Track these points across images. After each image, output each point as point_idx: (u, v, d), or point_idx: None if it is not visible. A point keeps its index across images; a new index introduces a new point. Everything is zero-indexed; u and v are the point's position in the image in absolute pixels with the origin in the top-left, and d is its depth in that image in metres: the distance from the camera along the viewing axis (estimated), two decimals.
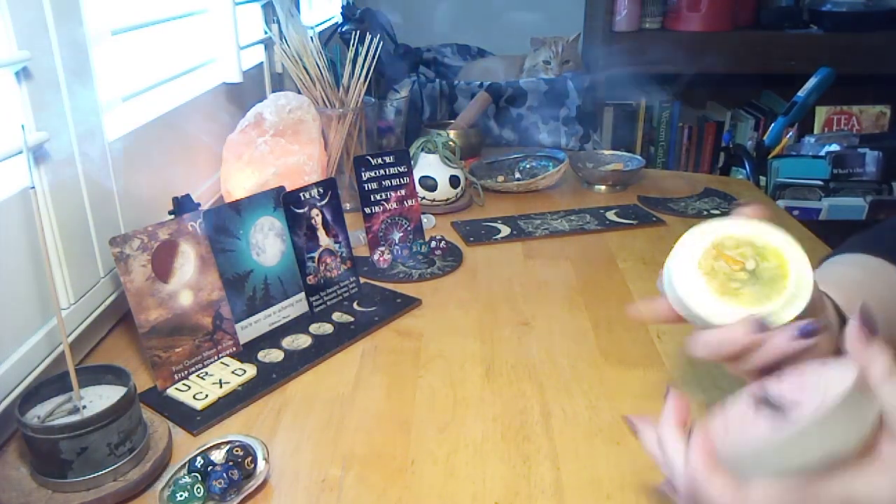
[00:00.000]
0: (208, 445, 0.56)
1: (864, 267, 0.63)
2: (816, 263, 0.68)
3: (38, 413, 0.56)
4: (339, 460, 0.59)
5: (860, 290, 0.58)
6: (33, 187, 0.55)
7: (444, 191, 1.13)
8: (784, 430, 0.38)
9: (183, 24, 1.03)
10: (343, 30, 1.60)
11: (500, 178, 1.27)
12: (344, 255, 0.85)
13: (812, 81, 2.01)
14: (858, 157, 2.00)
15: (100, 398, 0.57)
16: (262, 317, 0.77)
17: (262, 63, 1.32)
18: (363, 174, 0.93)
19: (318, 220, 0.82)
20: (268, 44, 1.32)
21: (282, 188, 0.79)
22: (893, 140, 2.11)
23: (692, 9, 2.27)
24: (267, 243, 0.77)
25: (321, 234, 0.83)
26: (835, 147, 2.06)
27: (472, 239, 1.04)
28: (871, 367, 0.40)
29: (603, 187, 1.26)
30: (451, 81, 1.72)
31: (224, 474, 0.53)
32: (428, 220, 1.09)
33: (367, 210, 0.94)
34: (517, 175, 1.31)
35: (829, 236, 1.04)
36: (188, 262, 0.70)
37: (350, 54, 1.11)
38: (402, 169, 0.96)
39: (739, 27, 2.32)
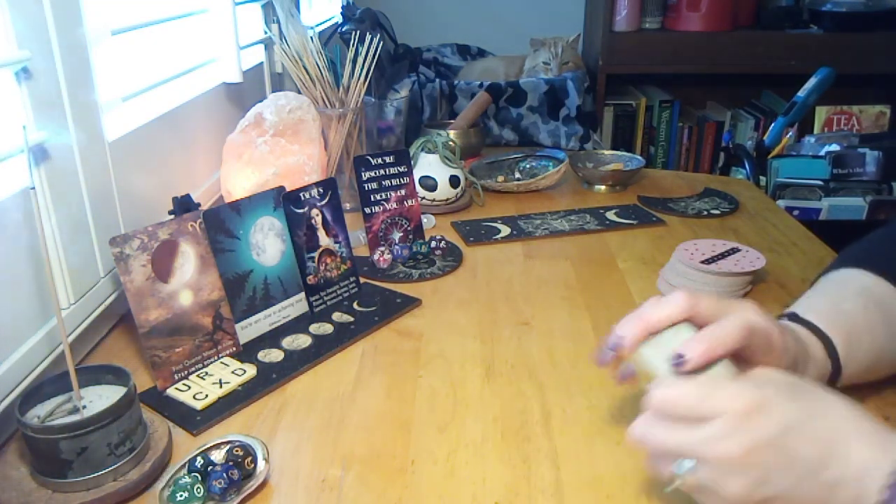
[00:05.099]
0: (208, 445, 0.56)
1: (860, 291, 0.64)
2: (814, 278, 0.69)
3: (38, 413, 0.56)
4: (339, 460, 0.59)
5: (856, 323, 0.61)
6: (33, 187, 0.55)
7: (444, 191, 1.13)
8: None
9: (183, 24, 1.03)
10: (343, 30, 1.60)
11: (500, 178, 1.27)
12: (344, 255, 0.85)
13: (812, 81, 2.01)
14: (858, 157, 2.00)
15: (100, 398, 0.57)
16: (262, 317, 0.77)
17: (262, 63, 1.32)
18: (363, 174, 0.93)
19: (318, 220, 0.82)
20: (268, 44, 1.32)
21: (282, 188, 0.79)
22: (893, 140, 2.11)
23: (692, 9, 2.27)
24: (267, 243, 0.77)
25: (321, 234, 0.83)
26: (835, 147, 2.06)
27: (472, 239, 1.04)
28: None
29: (603, 187, 1.26)
30: (451, 81, 1.72)
31: (224, 474, 0.53)
32: (428, 220, 1.09)
33: (367, 210, 0.94)
34: (517, 175, 1.31)
35: (829, 236, 1.04)
36: (188, 262, 0.70)
37: (350, 54, 1.11)
38: (402, 169, 0.96)
39: (739, 27, 2.33)
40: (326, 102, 1.13)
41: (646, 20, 2.33)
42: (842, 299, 0.63)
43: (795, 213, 1.97)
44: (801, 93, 2.02)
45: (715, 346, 0.49)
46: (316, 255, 0.82)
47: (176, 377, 0.68)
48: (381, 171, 0.95)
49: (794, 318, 0.61)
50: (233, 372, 0.70)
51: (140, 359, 0.73)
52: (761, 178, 2.06)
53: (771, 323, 0.53)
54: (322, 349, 0.75)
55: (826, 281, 0.67)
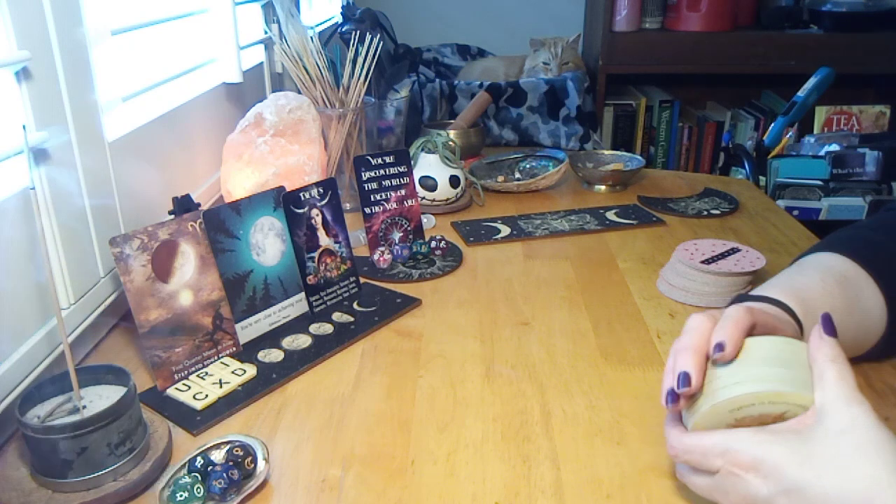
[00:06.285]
0: (208, 445, 0.56)
1: (817, 266, 0.65)
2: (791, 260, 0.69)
3: (38, 413, 0.56)
4: (339, 460, 0.59)
5: (809, 289, 0.61)
6: (33, 188, 0.55)
7: (444, 191, 1.13)
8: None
9: (183, 24, 1.03)
10: (343, 30, 1.60)
11: (500, 178, 1.27)
12: (344, 255, 0.85)
13: (812, 81, 2.01)
14: (858, 157, 2.00)
15: (100, 398, 0.58)
16: (262, 317, 0.77)
17: (262, 63, 1.32)
18: (363, 174, 0.93)
19: (318, 220, 0.82)
20: (268, 44, 1.32)
21: (282, 188, 0.79)
22: (893, 140, 2.11)
23: (692, 9, 2.27)
24: (267, 243, 0.77)
25: (321, 234, 0.83)
26: (835, 147, 2.06)
27: (472, 239, 1.04)
28: (824, 371, 0.48)
29: (603, 187, 1.26)
30: (451, 81, 1.72)
31: (224, 474, 0.53)
32: (428, 220, 1.09)
33: (367, 210, 0.94)
34: (517, 175, 1.31)
35: None
36: (188, 262, 0.70)
37: (350, 54, 1.11)
38: (402, 169, 0.96)
39: (739, 27, 2.33)
40: (326, 102, 1.13)
41: (646, 20, 2.33)
42: (797, 274, 0.64)
43: (795, 213, 1.97)
44: (801, 93, 2.02)
45: (733, 325, 0.51)
46: (316, 255, 0.82)
47: (176, 377, 0.68)
48: (381, 171, 0.95)
49: (742, 298, 0.61)
50: (233, 372, 0.70)
51: (140, 359, 0.73)
52: (761, 178, 2.06)
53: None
54: (322, 349, 0.75)
55: (790, 266, 0.68)
